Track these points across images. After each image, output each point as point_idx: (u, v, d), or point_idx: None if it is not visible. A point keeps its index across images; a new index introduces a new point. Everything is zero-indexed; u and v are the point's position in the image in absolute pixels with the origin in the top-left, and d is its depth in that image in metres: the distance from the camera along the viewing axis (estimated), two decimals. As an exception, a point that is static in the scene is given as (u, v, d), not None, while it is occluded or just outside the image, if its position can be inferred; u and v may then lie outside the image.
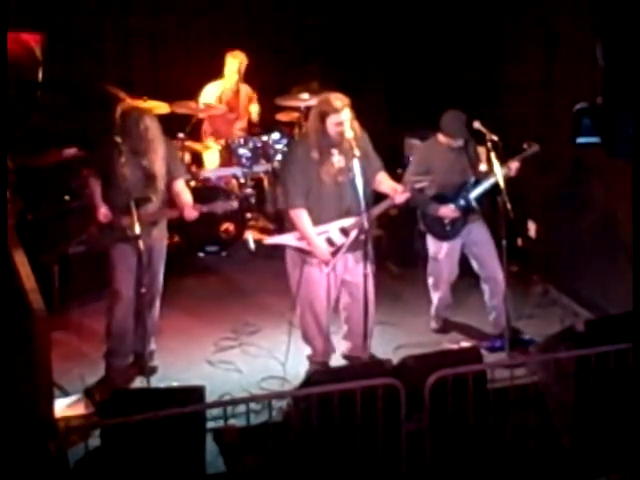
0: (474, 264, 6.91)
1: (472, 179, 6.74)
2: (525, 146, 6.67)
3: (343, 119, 5.89)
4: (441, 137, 6.79)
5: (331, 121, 5.90)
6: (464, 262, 7.91)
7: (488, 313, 6.88)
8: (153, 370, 6.24)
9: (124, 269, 6.18)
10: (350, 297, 6.24)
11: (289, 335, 6.35)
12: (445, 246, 6.82)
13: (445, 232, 6.79)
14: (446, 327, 7.05)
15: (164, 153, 6.19)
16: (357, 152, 5.88)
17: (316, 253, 6.03)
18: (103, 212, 6.12)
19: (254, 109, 8.98)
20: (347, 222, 6.04)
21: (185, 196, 6.30)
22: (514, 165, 6.57)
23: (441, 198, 6.73)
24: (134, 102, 8.44)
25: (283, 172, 6.42)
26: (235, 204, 6.45)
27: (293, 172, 6.04)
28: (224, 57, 8.83)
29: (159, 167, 6.15)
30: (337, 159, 6.00)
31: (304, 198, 5.99)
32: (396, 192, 6.10)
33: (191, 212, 6.19)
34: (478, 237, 6.82)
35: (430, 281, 6.99)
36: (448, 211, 6.70)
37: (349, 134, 5.91)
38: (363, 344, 6.09)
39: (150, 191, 6.15)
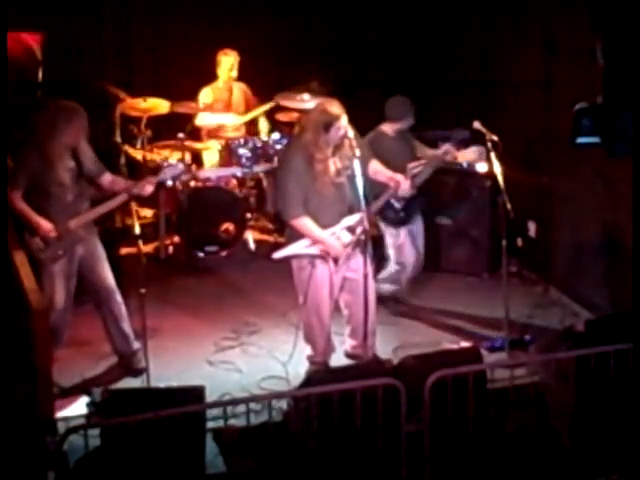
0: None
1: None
2: (455, 134, 6.84)
3: (344, 124, 5.94)
4: (385, 127, 6.95)
5: (335, 128, 5.94)
6: (465, 263, 7.95)
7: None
8: (140, 372, 6.16)
9: (61, 280, 6.09)
10: (352, 295, 6.24)
11: (295, 338, 6.33)
12: (402, 232, 7.00)
13: (400, 217, 6.94)
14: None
15: (88, 151, 6.17)
16: (358, 152, 5.91)
17: (331, 252, 6.05)
18: (47, 227, 5.97)
19: (263, 127, 8.92)
20: (352, 220, 6.06)
21: (122, 180, 6.32)
22: (444, 148, 6.78)
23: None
24: (134, 101, 8.46)
25: (280, 184, 6.43)
26: (181, 166, 6.43)
27: (290, 183, 6.04)
28: (216, 57, 8.82)
29: (85, 167, 6.10)
30: (333, 161, 6.03)
31: (303, 205, 6.01)
32: (396, 182, 6.21)
33: (146, 187, 6.13)
34: (419, 226, 7.14)
35: (393, 268, 7.10)
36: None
37: (350, 134, 5.96)
38: (364, 342, 6.10)
39: (84, 192, 6.13)
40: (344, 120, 5.95)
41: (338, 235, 6.09)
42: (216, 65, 8.80)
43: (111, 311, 6.24)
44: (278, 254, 6.24)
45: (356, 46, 9.52)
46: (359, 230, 6.00)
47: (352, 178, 5.93)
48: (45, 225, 5.98)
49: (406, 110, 6.98)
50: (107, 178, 6.24)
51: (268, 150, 8.56)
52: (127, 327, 6.28)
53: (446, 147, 6.82)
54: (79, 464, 4.96)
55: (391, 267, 7.14)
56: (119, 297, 6.26)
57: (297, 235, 6.11)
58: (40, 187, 5.99)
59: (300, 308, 6.25)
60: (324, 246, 6.05)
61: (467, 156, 7.77)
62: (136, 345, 6.30)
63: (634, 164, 5.25)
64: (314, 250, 6.08)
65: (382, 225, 7.03)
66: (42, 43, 8.41)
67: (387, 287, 7.15)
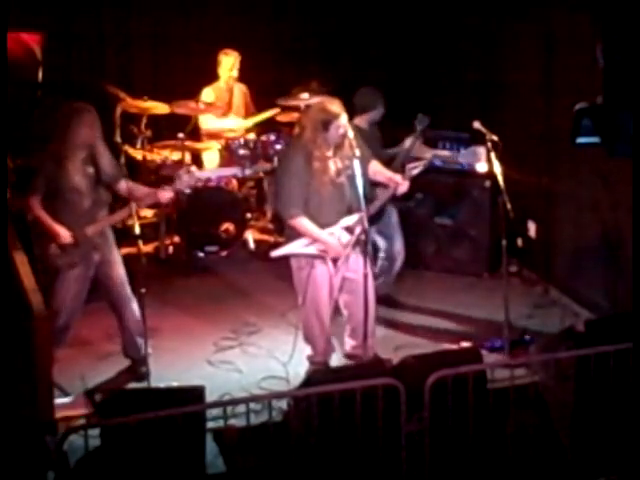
0: (380, 241, 7.21)
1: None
2: (417, 123, 6.85)
3: (344, 122, 5.95)
4: (358, 121, 6.95)
5: (334, 127, 5.95)
6: (465, 263, 7.95)
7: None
8: (142, 377, 6.14)
9: (75, 286, 6.08)
10: (351, 295, 6.25)
11: (294, 338, 6.34)
12: (373, 229, 6.98)
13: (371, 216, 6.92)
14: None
15: (106, 155, 6.15)
16: (358, 152, 5.92)
17: (330, 250, 6.05)
18: (64, 234, 5.95)
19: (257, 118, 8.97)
20: (350, 220, 6.06)
21: (140, 187, 6.31)
22: (408, 142, 6.88)
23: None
24: (135, 102, 8.46)
25: (279, 183, 6.44)
26: (198, 174, 6.41)
27: (290, 183, 6.06)
28: (217, 57, 8.82)
29: (103, 172, 6.06)
30: (334, 161, 6.04)
31: (302, 205, 6.01)
32: (395, 183, 6.20)
33: (164, 196, 6.14)
34: (391, 219, 7.18)
35: None
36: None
37: (350, 134, 5.96)
38: (364, 343, 6.11)
39: (102, 198, 6.11)
40: (343, 119, 5.96)
41: (337, 235, 6.09)
42: (217, 65, 8.80)
43: (124, 318, 6.22)
44: (276, 252, 6.25)
45: (356, 46, 9.53)
46: (358, 230, 6.01)
47: (352, 178, 5.94)
48: (62, 232, 5.96)
49: (376, 99, 7.05)
50: (123, 185, 6.19)
51: (268, 150, 8.56)
52: (138, 336, 6.21)
53: (410, 140, 6.88)
54: (79, 464, 4.96)
55: None
56: (134, 305, 6.21)
57: (296, 234, 6.11)
58: (56, 193, 5.97)
59: (300, 308, 6.25)
60: (324, 246, 6.06)
61: (467, 157, 7.79)
62: (144, 352, 6.20)
63: (634, 164, 5.25)
64: (312, 250, 6.08)
65: None
66: (42, 43, 8.41)
67: None
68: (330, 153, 6.03)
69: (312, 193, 6.02)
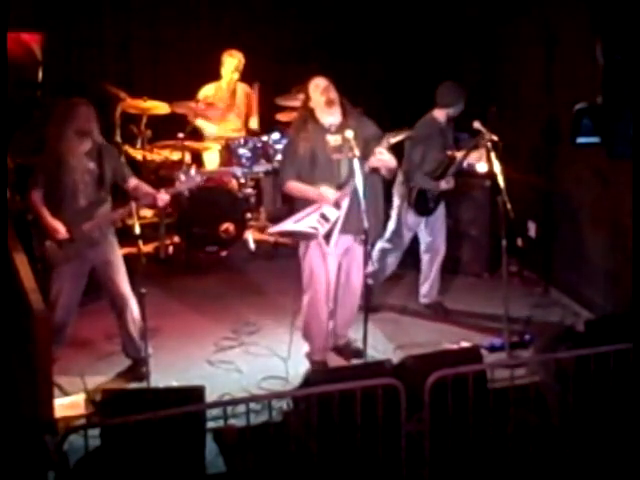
0: (424, 233, 7.23)
1: (447, 158, 7.10)
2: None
3: (317, 81, 6.10)
4: (437, 113, 7.09)
5: (312, 89, 6.09)
6: (465, 263, 7.94)
7: (421, 284, 7.31)
8: (141, 378, 6.12)
9: (69, 287, 6.09)
10: (345, 293, 6.38)
11: (291, 335, 6.37)
12: (424, 220, 7.16)
13: (428, 208, 7.08)
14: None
15: (113, 155, 6.19)
16: (357, 152, 5.91)
17: (324, 200, 6.04)
18: (60, 230, 5.96)
19: (254, 124, 8.98)
20: (337, 194, 6.08)
21: (145, 186, 6.28)
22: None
23: (433, 175, 7.02)
24: (135, 102, 8.46)
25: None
26: (198, 178, 6.35)
27: (283, 155, 6.39)
28: (221, 57, 8.82)
29: (108, 170, 6.07)
30: (333, 138, 6.09)
31: (293, 174, 6.12)
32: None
33: (161, 197, 6.14)
34: (438, 212, 7.19)
35: (388, 245, 7.19)
36: (448, 185, 7.03)
37: (350, 135, 5.95)
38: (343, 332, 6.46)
39: (102, 195, 6.11)
40: (316, 80, 6.10)
41: (323, 211, 6.06)
42: (220, 65, 8.80)
43: (122, 317, 6.21)
44: (274, 228, 6.34)
45: (356, 46, 9.53)
46: (345, 203, 6.00)
47: (352, 160, 5.95)
48: (59, 227, 5.96)
49: (458, 96, 7.09)
50: (132, 183, 6.21)
51: (268, 150, 8.57)
52: (138, 336, 6.21)
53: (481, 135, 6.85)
54: (79, 464, 4.96)
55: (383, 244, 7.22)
56: (134, 305, 6.19)
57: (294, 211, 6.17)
58: (56, 189, 5.98)
59: (298, 308, 6.27)
60: (317, 199, 6.06)
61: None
62: (144, 353, 6.16)
63: (634, 164, 5.26)
64: (303, 226, 6.07)
65: (408, 213, 7.11)
66: (42, 43, 8.41)
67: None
68: (329, 127, 6.09)
69: (304, 163, 6.09)
